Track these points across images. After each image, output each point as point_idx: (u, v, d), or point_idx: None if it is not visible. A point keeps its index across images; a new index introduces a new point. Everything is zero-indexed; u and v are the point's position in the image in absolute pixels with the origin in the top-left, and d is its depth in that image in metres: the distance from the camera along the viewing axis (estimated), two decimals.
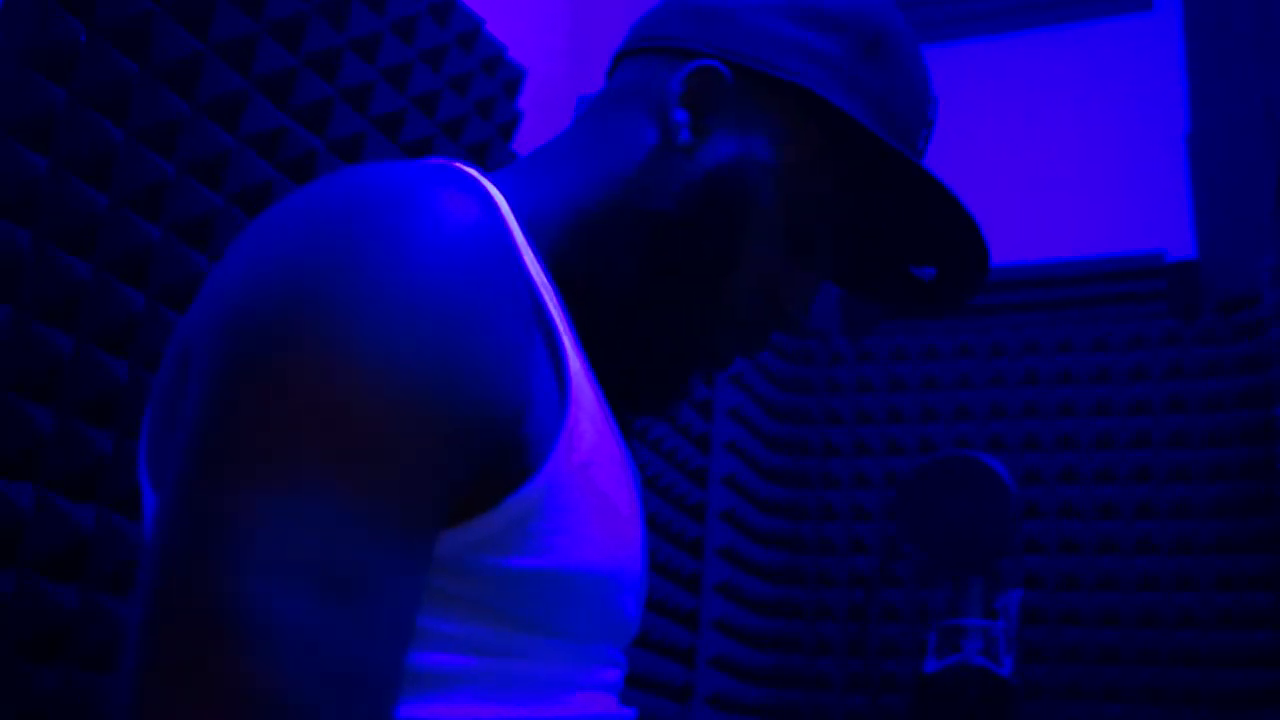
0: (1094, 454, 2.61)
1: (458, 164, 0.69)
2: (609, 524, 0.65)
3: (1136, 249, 2.84)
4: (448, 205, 0.58)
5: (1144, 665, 2.40)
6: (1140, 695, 2.38)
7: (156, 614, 0.49)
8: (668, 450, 2.36)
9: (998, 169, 3.07)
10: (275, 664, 0.47)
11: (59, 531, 1.04)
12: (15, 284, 1.01)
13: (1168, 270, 2.70)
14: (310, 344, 0.52)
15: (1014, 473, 2.37)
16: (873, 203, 0.83)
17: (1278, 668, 2.28)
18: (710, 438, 2.56)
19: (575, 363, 0.66)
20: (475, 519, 0.57)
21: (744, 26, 0.77)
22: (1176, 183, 2.88)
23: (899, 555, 2.48)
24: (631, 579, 0.69)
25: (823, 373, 2.94)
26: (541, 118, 2.27)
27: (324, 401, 0.51)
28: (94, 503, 1.09)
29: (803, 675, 2.65)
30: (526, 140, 2.20)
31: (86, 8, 1.09)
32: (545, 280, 0.68)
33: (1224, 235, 2.70)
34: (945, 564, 2.15)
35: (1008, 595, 2.23)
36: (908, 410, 2.82)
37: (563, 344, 0.65)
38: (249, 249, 0.58)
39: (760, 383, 2.79)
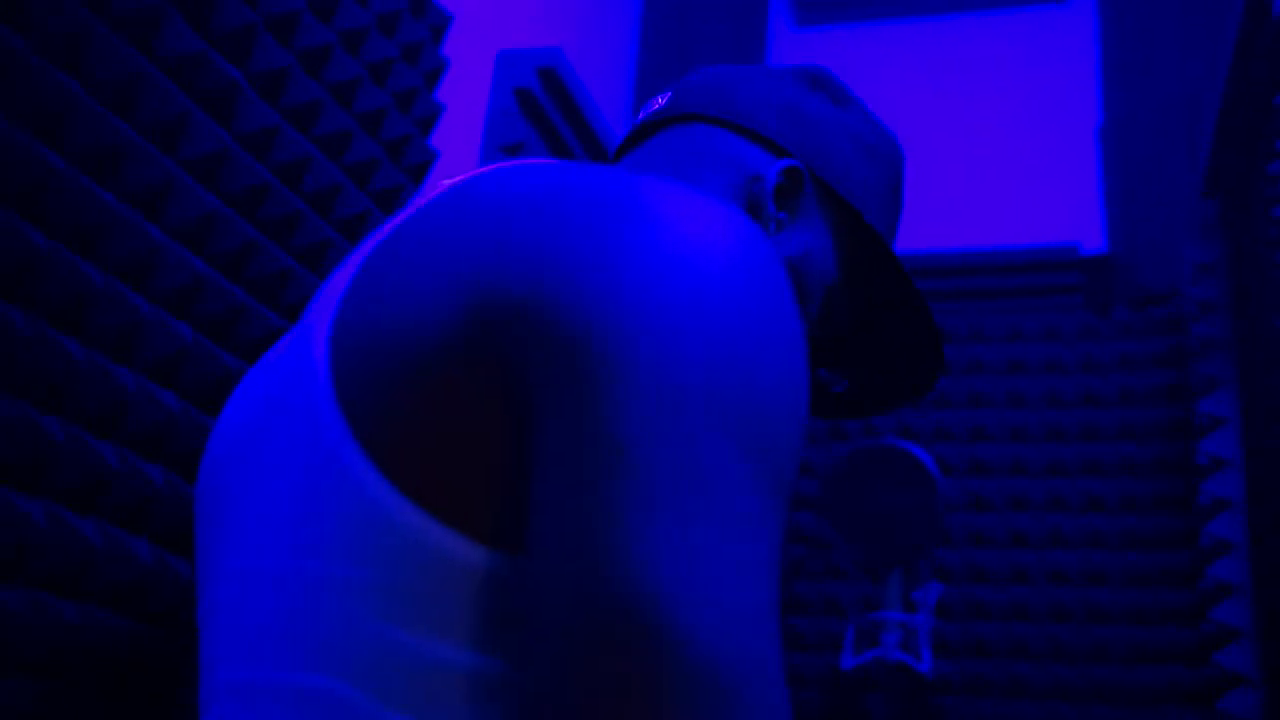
0: (1006, 446, 2.58)
1: None
2: None
3: (1051, 241, 2.82)
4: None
5: (1054, 660, 2.38)
6: (1051, 691, 2.36)
7: (627, 650, 0.45)
8: None
9: (909, 156, 3.03)
10: (770, 701, 0.46)
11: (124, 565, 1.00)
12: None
13: (1083, 263, 2.69)
14: (745, 376, 0.51)
15: None
16: (864, 316, 0.91)
17: (1189, 664, 2.28)
18: None
19: None
20: None
21: (823, 137, 0.85)
22: (1092, 176, 2.87)
23: (823, 546, 2.41)
24: None
25: None
26: (460, 68, 2.11)
27: (762, 437, 0.51)
28: (148, 536, 1.06)
29: None
30: (448, 91, 2.04)
31: None
32: None
33: (1138, 230, 2.70)
34: (875, 557, 2.09)
35: (926, 588, 2.18)
36: None
37: None
38: (687, 264, 0.54)
39: None
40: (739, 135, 0.83)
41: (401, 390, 0.54)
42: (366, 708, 0.52)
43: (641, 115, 0.90)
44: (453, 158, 1.98)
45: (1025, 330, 2.65)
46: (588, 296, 0.51)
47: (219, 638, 0.61)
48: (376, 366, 0.55)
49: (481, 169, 0.65)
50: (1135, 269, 2.66)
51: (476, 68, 2.20)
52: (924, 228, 2.93)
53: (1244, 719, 2.05)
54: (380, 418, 0.54)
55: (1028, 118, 3.00)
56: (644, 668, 0.44)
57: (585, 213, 0.55)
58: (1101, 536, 2.44)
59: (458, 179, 0.64)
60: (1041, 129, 2.98)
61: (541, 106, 2.10)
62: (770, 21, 3.30)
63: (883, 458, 2.16)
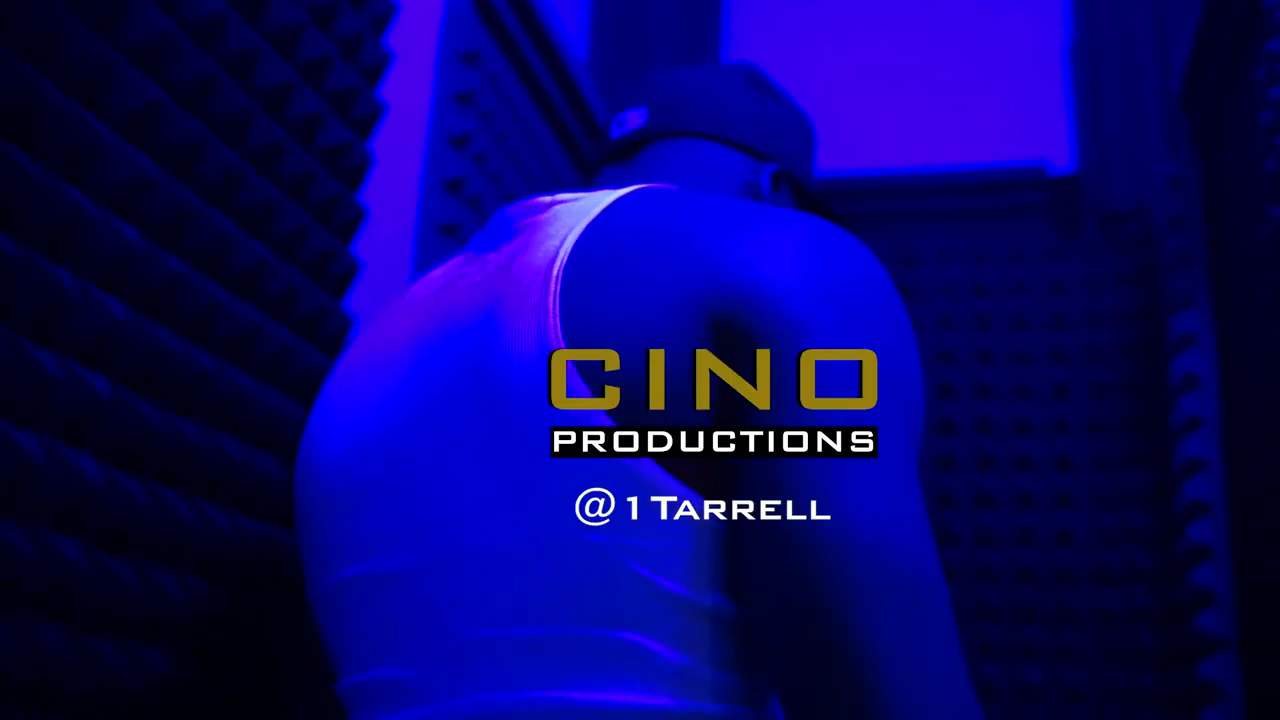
0: (972, 369, 2.54)
1: None
2: None
3: (1018, 161, 2.77)
4: None
5: (1021, 584, 2.36)
6: (1017, 615, 2.34)
7: (872, 563, 0.59)
8: None
9: (876, 75, 2.95)
10: (946, 594, 0.61)
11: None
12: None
13: (1050, 183, 2.64)
14: (910, 356, 0.67)
15: None
16: None
17: (1156, 585, 2.27)
18: None
19: None
20: None
21: (778, 133, 0.97)
22: (1059, 95, 2.82)
23: None
24: None
25: None
26: (410, 13, 1.99)
27: (912, 411, 0.66)
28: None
29: None
30: (400, 37, 1.92)
31: None
32: None
33: (1107, 150, 2.65)
34: None
35: None
36: None
37: None
38: (852, 274, 0.68)
39: None
40: (724, 145, 0.94)
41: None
42: (660, 653, 0.64)
43: (619, 132, 0.97)
44: (407, 64, 1.87)
45: (992, 252, 2.60)
46: (797, 297, 0.64)
47: (436, 604, 0.69)
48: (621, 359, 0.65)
49: (652, 186, 0.77)
50: (1103, 189, 2.62)
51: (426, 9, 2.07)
52: (890, 147, 2.86)
53: (1216, 636, 2.05)
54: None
55: (996, 35, 2.94)
56: (869, 575, 0.58)
57: (784, 234, 0.68)
58: (1070, 461, 2.42)
59: (641, 189, 0.76)
60: (1009, 47, 2.91)
61: (498, 13, 2.00)
62: None
63: None
